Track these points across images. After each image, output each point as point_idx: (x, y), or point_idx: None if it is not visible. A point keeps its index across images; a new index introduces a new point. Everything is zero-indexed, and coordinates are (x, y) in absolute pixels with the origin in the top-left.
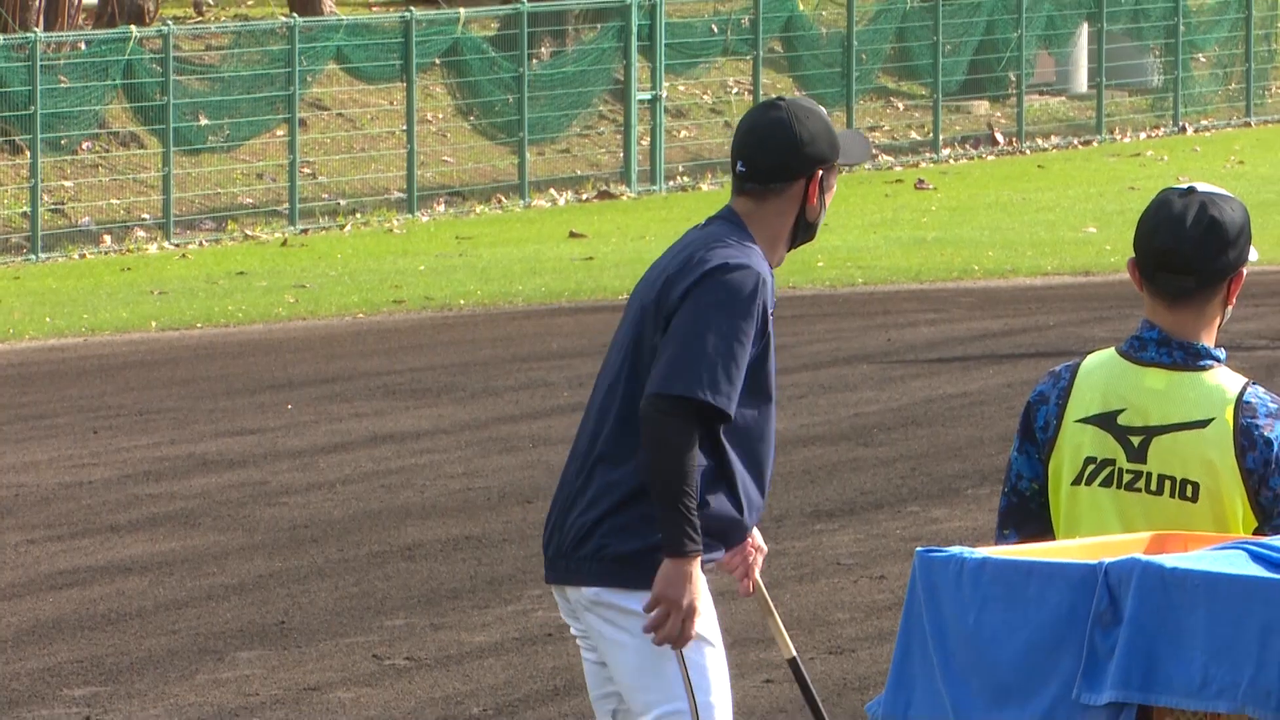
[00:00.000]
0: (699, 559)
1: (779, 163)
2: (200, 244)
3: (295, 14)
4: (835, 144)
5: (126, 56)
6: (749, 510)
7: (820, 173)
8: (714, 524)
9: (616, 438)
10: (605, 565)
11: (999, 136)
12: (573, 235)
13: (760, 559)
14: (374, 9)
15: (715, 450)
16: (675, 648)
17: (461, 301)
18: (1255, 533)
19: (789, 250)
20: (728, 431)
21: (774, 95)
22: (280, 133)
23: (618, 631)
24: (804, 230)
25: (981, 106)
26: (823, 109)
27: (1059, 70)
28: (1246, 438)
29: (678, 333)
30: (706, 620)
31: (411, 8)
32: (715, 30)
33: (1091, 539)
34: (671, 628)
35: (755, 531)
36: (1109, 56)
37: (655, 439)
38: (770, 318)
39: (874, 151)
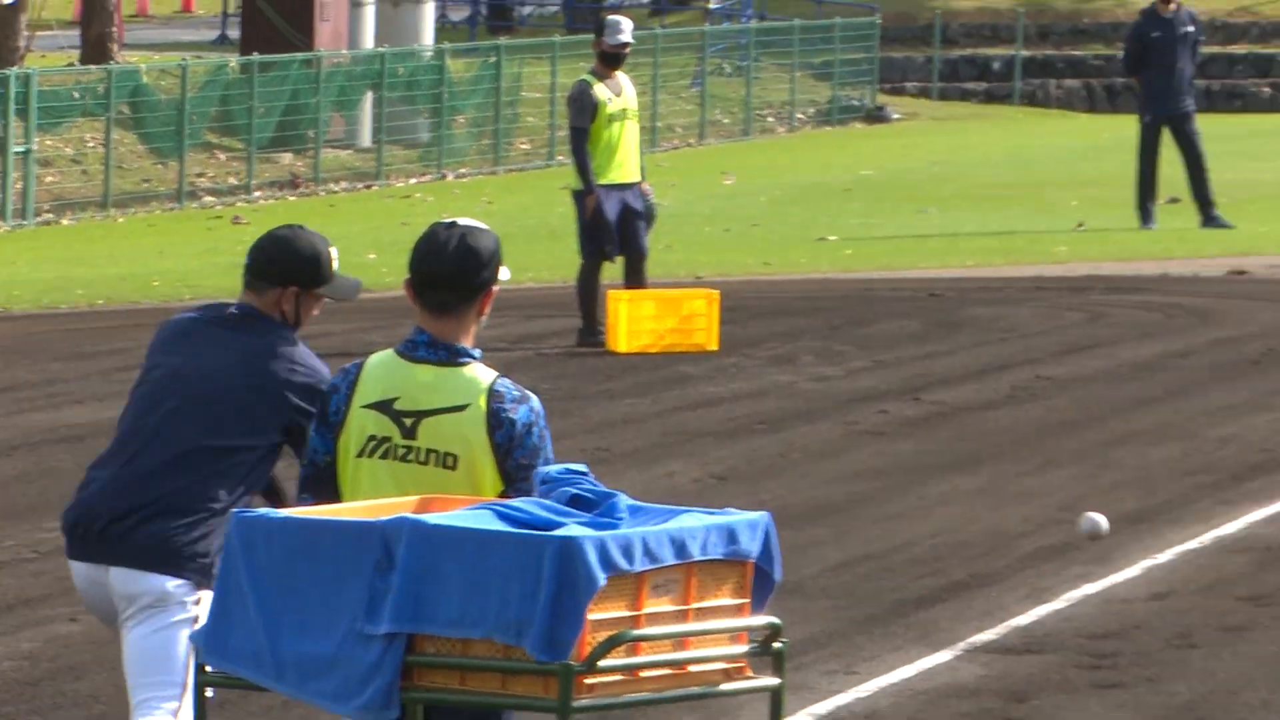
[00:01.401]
0: None
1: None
2: None
3: None
4: (312, 272)
5: None
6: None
7: (295, 290)
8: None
9: None
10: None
11: (300, 181)
12: None
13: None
14: None
15: None
16: None
17: None
18: (501, 495)
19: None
20: None
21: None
22: None
23: None
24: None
25: (286, 157)
26: (320, 242)
27: (348, 129)
28: (496, 419)
29: None
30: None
31: None
32: (76, 96)
33: (371, 501)
34: None
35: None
36: (388, 118)
37: None
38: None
39: (358, 289)
